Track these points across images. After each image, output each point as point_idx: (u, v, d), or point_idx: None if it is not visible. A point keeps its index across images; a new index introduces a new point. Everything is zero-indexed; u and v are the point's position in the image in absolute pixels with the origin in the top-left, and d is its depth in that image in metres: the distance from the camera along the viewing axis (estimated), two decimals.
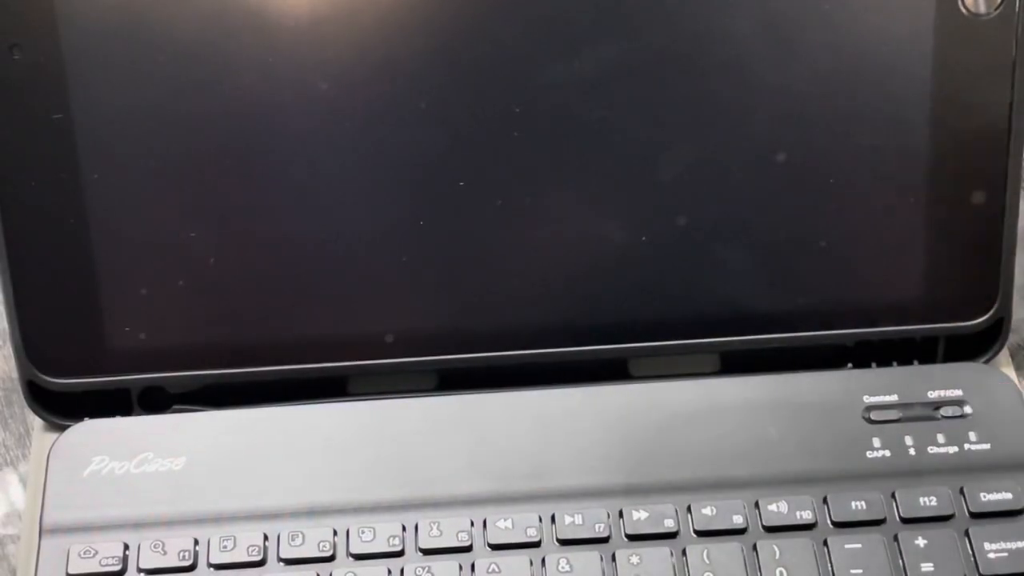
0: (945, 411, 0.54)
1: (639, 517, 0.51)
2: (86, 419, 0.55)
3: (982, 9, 0.53)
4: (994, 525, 0.51)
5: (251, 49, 0.52)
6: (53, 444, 0.54)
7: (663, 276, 0.55)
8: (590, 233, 0.55)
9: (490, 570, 0.50)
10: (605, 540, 0.51)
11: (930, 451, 0.53)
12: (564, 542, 0.51)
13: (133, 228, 0.54)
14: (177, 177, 0.53)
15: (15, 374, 0.55)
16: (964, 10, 0.53)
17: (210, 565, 0.50)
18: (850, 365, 0.58)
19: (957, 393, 0.55)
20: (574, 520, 0.51)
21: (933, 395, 0.55)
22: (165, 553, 0.50)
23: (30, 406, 0.55)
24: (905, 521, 0.51)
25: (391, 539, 0.51)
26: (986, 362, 0.57)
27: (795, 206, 0.55)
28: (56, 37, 0.51)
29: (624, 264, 0.55)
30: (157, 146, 0.53)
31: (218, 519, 0.51)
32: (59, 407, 0.55)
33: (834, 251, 0.55)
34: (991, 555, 0.50)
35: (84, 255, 0.53)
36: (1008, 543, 0.50)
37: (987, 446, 0.53)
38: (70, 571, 0.50)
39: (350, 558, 0.50)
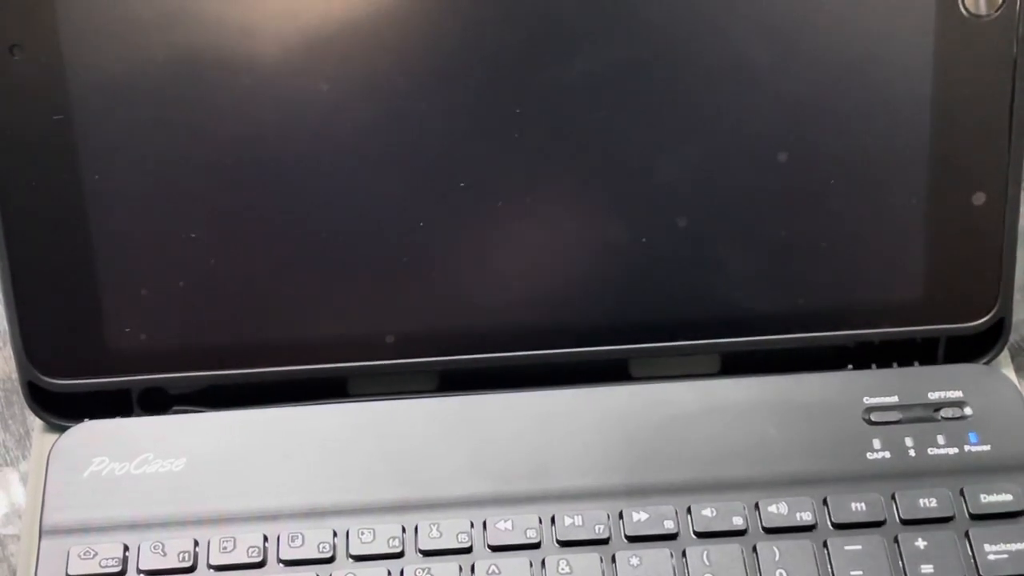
0: (945, 412, 0.54)
1: (639, 518, 0.51)
2: (86, 420, 0.55)
3: (983, 10, 0.53)
4: (994, 526, 0.51)
5: (252, 50, 0.52)
6: (53, 445, 0.54)
7: (664, 277, 0.55)
8: (591, 234, 0.55)
9: (490, 571, 0.50)
10: (605, 541, 0.51)
11: (930, 452, 0.53)
12: (564, 543, 0.51)
13: (133, 229, 0.54)
14: (177, 178, 0.53)
15: (15, 375, 0.55)
16: (965, 11, 0.53)
17: (210, 566, 0.50)
18: (850, 366, 0.58)
19: (957, 394, 0.55)
20: (574, 521, 0.51)
21: (933, 396, 0.55)
22: (165, 554, 0.50)
23: (30, 407, 0.55)
24: (905, 522, 0.51)
25: (391, 540, 0.51)
26: (986, 363, 0.57)
27: (796, 207, 0.55)
28: (56, 37, 0.51)
29: (625, 265, 0.55)
30: (157, 147, 0.53)
31: (218, 520, 0.51)
32: (59, 408, 0.55)
33: (834, 252, 0.55)
34: (991, 556, 0.50)
35: (84, 256, 0.53)
36: (1008, 544, 0.50)
37: (987, 447, 0.53)
38: (70, 572, 0.50)
39: (350, 559, 0.50)
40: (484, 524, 0.51)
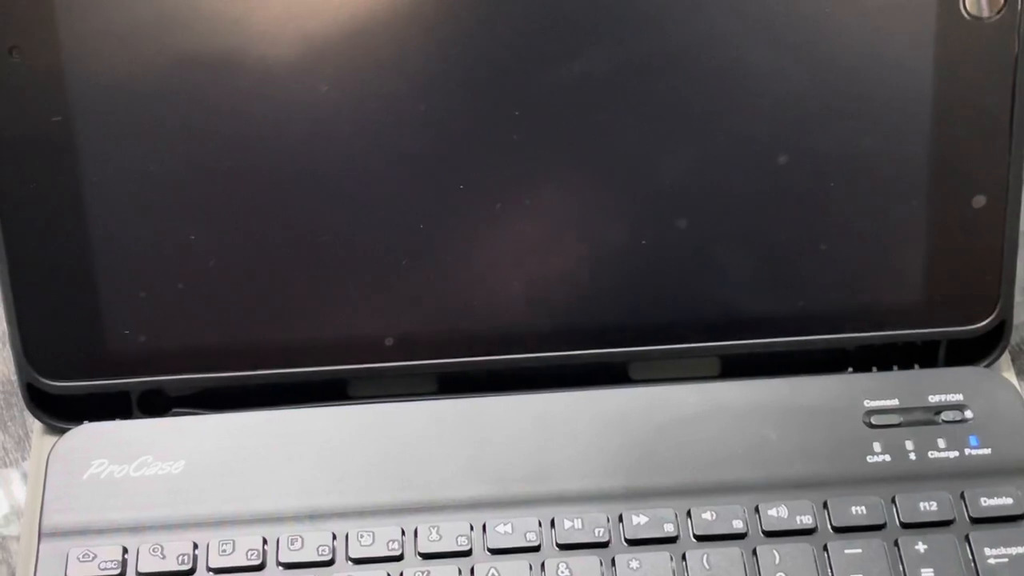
0: (946, 415, 0.54)
1: (639, 521, 0.51)
2: (85, 422, 0.55)
3: (984, 12, 0.53)
4: (994, 530, 0.51)
5: (251, 51, 0.52)
6: (52, 447, 0.53)
7: (663, 280, 0.55)
8: (590, 237, 0.55)
9: (489, 574, 0.50)
10: (605, 545, 0.51)
11: (931, 456, 0.53)
12: (564, 546, 0.50)
13: (133, 231, 0.53)
14: (177, 180, 0.53)
15: (14, 377, 0.55)
16: (966, 13, 0.53)
17: (209, 569, 0.50)
18: (851, 369, 0.58)
19: (958, 397, 0.55)
20: (574, 524, 0.51)
21: (934, 399, 0.54)
22: (164, 557, 0.50)
23: (29, 409, 0.55)
24: (905, 526, 0.51)
25: (390, 543, 0.50)
26: (987, 366, 0.57)
27: (796, 209, 0.55)
28: (56, 38, 0.51)
29: (624, 268, 0.55)
30: (157, 148, 0.53)
31: (217, 523, 0.51)
32: (58, 410, 0.55)
33: (835, 255, 0.55)
34: (991, 560, 0.50)
35: (83, 258, 0.53)
36: (1008, 548, 0.50)
37: (988, 451, 0.53)
38: (69, 574, 0.50)
39: (349, 562, 0.50)
40: (484, 527, 0.51)
